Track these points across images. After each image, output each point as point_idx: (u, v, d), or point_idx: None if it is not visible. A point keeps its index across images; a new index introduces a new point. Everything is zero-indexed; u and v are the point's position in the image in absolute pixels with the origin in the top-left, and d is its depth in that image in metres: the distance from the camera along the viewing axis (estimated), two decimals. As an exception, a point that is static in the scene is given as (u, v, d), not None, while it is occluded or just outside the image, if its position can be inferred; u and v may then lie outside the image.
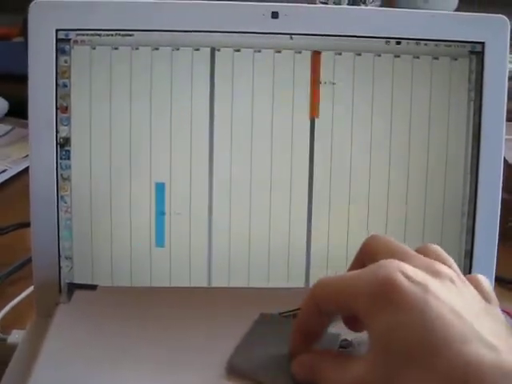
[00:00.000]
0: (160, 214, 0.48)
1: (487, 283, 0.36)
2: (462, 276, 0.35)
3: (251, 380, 0.37)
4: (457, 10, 1.08)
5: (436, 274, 0.33)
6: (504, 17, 0.48)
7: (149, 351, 0.40)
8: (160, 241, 0.49)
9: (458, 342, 0.30)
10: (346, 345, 0.40)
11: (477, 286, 0.35)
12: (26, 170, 0.73)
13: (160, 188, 0.48)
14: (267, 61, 0.48)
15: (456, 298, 0.32)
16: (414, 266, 0.33)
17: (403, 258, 0.34)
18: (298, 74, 0.48)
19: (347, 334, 0.40)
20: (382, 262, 0.33)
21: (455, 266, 0.36)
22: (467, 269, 0.49)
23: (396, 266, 0.32)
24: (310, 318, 0.36)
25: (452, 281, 0.33)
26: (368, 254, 0.36)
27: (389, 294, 0.31)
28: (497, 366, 0.29)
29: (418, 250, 0.36)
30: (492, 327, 0.31)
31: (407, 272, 0.32)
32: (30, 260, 0.49)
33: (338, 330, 0.41)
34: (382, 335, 0.32)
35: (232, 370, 0.38)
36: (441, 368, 0.30)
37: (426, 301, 0.31)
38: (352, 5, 1.01)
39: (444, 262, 0.35)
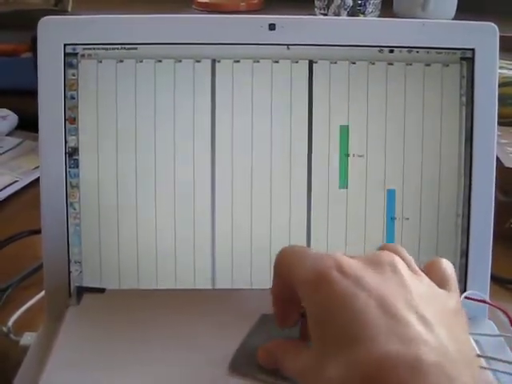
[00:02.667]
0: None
1: (447, 268, 0.37)
2: (414, 265, 0.36)
3: (253, 379, 0.39)
4: (454, 18, 1.10)
5: (376, 264, 0.34)
6: (493, 24, 0.49)
7: (156, 352, 0.42)
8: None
9: (373, 339, 0.30)
10: None
11: (435, 270, 0.36)
12: (36, 181, 0.75)
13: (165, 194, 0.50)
14: (265, 70, 0.50)
15: (390, 290, 0.32)
16: (357, 258, 0.34)
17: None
18: (295, 82, 0.50)
19: None
20: (328, 254, 0.35)
21: (406, 255, 0.36)
22: (463, 268, 0.50)
23: (333, 259, 0.34)
24: (276, 286, 0.38)
25: (394, 270, 0.34)
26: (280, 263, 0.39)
27: (320, 284, 0.33)
28: (409, 362, 0.29)
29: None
30: (426, 316, 0.31)
31: (342, 265, 0.33)
32: (40, 266, 0.51)
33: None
34: (314, 324, 0.33)
35: (234, 369, 0.40)
36: (356, 362, 0.30)
37: (354, 293, 0.32)
38: (351, 15, 1.03)
39: (394, 252, 0.36)
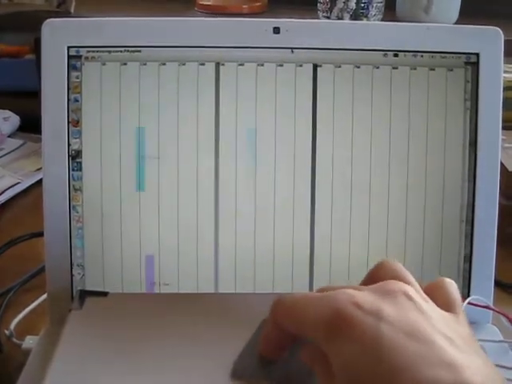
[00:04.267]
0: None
1: (452, 289, 0.36)
2: (420, 290, 0.35)
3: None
4: (457, 21, 1.10)
5: (387, 294, 0.33)
6: (498, 29, 0.49)
7: (158, 356, 0.42)
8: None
9: (414, 367, 0.29)
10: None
11: (440, 294, 0.35)
12: (38, 182, 0.75)
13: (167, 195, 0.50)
14: (270, 74, 0.49)
15: (412, 317, 0.32)
16: (366, 291, 0.33)
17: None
18: (299, 86, 0.50)
19: None
20: (337, 292, 0.33)
21: (413, 280, 0.35)
22: (467, 273, 0.50)
23: (347, 296, 0.32)
24: (273, 333, 0.37)
25: (408, 296, 0.33)
26: (377, 280, 0.35)
27: (341, 326, 0.31)
28: None
29: (374, 271, 0.37)
30: (454, 339, 0.31)
31: (358, 301, 0.32)
32: (43, 269, 0.51)
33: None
34: (341, 366, 0.31)
35: (236, 374, 0.39)
36: None
37: (378, 329, 0.31)
38: (354, 19, 1.03)
39: (401, 279, 0.35)
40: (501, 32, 0.49)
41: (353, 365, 0.31)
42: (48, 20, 0.48)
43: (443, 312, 0.34)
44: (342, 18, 1.03)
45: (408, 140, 0.50)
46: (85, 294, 0.48)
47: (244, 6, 1.21)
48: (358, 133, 0.50)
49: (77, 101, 0.49)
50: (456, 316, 0.34)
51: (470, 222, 0.50)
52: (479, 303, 0.47)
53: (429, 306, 0.33)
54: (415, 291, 0.34)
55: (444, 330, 0.31)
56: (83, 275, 0.50)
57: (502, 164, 0.52)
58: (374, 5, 1.05)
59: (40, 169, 0.77)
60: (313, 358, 0.35)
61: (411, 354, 0.30)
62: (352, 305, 0.32)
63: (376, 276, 0.36)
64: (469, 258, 0.50)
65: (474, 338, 0.33)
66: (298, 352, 0.39)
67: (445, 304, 0.35)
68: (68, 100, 0.49)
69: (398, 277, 0.35)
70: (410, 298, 0.33)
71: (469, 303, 0.44)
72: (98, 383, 0.40)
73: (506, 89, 0.51)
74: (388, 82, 0.50)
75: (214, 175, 0.50)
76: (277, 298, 0.36)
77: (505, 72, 0.50)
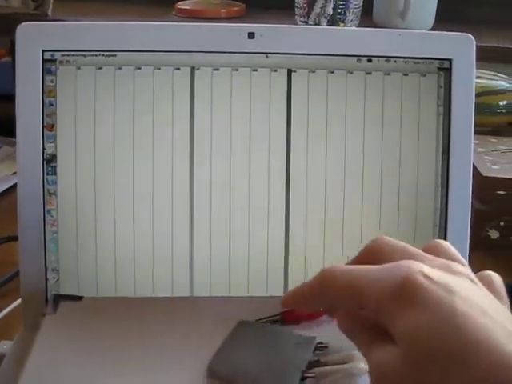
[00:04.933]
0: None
1: (499, 281, 0.35)
2: (474, 276, 0.34)
3: (229, 382, 0.39)
4: (433, 27, 1.11)
5: (454, 273, 0.32)
6: (470, 35, 0.50)
7: (133, 359, 0.42)
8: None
9: (490, 341, 0.29)
10: (321, 347, 0.42)
11: (489, 284, 0.34)
12: (14, 186, 0.74)
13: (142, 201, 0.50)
14: (244, 79, 0.50)
15: (479, 299, 0.31)
16: (431, 267, 0.32)
17: (416, 258, 0.33)
18: (274, 91, 0.50)
19: (322, 337, 0.42)
20: (402, 262, 0.32)
21: (467, 265, 0.35)
22: None
23: (416, 266, 0.31)
24: (308, 296, 0.36)
25: (472, 280, 0.32)
26: (374, 254, 0.35)
27: (413, 295, 0.30)
28: None
29: (427, 249, 0.35)
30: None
31: (427, 273, 0.31)
32: (17, 273, 0.51)
33: (313, 332, 0.43)
34: (408, 334, 0.30)
35: (211, 374, 0.40)
36: (478, 372, 0.28)
37: (453, 301, 0.30)
38: (331, 24, 1.03)
39: (458, 262, 0.34)
40: (473, 38, 0.50)
41: (424, 334, 0.30)
42: (22, 23, 0.48)
43: (496, 299, 0.33)
44: (319, 23, 1.04)
45: (381, 144, 0.50)
46: (59, 299, 0.48)
47: (222, 11, 1.21)
48: (332, 137, 0.50)
49: (52, 105, 0.49)
50: (504, 305, 0.34)
51: (443, 227, 0.50)
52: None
53: (488, 293, 0.33)
54: (473, 276, 0.33)
55: (506, 317, 0.31)
56: (58, 279, 0.50)
57: (475, 168, 0.52)
58: (351, 10, 1.06)
59: (16, 172, 0.76)
60: (354, 326, 0.35)
61: (486, 329, 0.29)
62: (422, 275, 0.31)
63: (375, 249, 0.36)
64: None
65: None
66: (278, 349, 0.41)
67: (495, 293, 0.34)
68: (43, 104, 0.49)
69: (457, 260, 0.34)
70: (473, 281, 0.33)
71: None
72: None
73: (478, 94, 0.52)
74: (362, 87, 0.50)
75: (188, 179, 0.50)
76: (326, 268, 0.35)
77: (478, 77, 0.51)
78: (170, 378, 0.40)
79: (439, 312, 0.30)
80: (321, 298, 0.35)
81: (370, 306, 0.32)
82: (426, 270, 0.31)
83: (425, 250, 0.35)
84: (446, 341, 0.29)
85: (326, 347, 0.42)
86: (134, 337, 0.44)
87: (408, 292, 0.30)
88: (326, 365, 0.40)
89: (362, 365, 0.38)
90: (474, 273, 0.34)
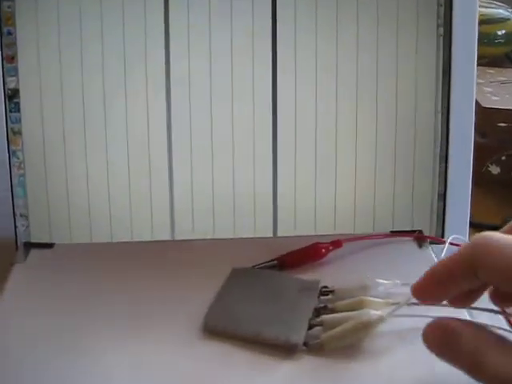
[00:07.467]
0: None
1: None
2: None
3: (228, 336, 0.35)
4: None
5: None
6: None
7: (110, 311, 0.38)
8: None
9: None
10: (326, 292, 0.38)
11: None
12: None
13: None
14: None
15: None
16: None
17: None
18: (257, 8, 0.46)
19: (326, 280, 0.39)
20: None
21: None
22: (441, 213, 0.48)
23: None
24: (455, 275, 0.30)
25: None
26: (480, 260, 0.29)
27: None
28: None
29: None
30: None
31: None
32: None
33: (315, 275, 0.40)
34: None
35: (208, 329, 0.36)
36: None
37: None
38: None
39: None
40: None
41: None
42: None
43: None
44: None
45: (377, 69, 0.47)
46: (29, 247, 0.45)
47: None
48: (322, 61, 0.46)
49: (10, 34, 0.45)
50: None
51: (444, 159, 0.48)
52: (460, 242, 0.44)
53: None
54: None
55: None
56: (27, 226, 0.47)
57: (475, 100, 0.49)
58: None
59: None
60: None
61: None
62: None
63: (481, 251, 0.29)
64: (443, 197, 0.48)
65: None
66: (280, 297, 0.37)
67: None
68: (0, 33, 0.45)
69: None
70: None
71: (450, 243, 0.41)
72: (43, 338, 0.36)
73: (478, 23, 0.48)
74: (354, 7, 0.46)
75: (165, 112, 0.46)
76: (478, 239, 0.29)
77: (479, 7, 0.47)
78: (161, 337, 0.36)
79: None
80: (469, 275, 0.29)
81: None
82: None
83: None
84: None
85: (331, 291, 0.38)
86: (110, 285, 0.40)
87: None
88: (334, 311, 0.36)
89: (373, 311, 0.34)
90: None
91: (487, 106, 0.66)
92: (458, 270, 0.29)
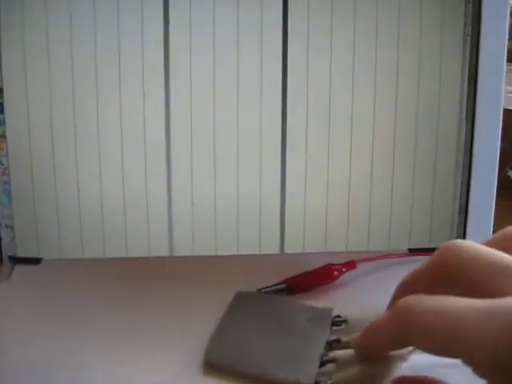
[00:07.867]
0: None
1: None
2: None
3: (231, 373, 0.32)
4: None
5: None
6: None
7: (102, 337, 0.35)
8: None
9: None
10: (339, 322, 0.35)
11: None
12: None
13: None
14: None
15: None
16: None
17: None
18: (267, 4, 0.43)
19: (339, 308, 0.36)
20: None
21: None
22: (461, 226, 0.46)
23: None
24: (387, 342, 0.29)
25: None
26: (451, 267, 0.28)
27: None
28: None
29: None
30: None
31: None
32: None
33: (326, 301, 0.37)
34: None
35: (209, 363, 0.33)
36: None
37: None
38: None
39: None
40: None
41: None
42: None
43: None
44: None
45: (397, 72, 0.44)
46: (15, 261, 0.43)
47: None
48: (338, 53, 0.44)
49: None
50: None
51: (467, 168, 0.45)
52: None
53: None
54: None
55: None
56: (13, 238, 0.45)
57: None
58: None
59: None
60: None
61: None
62: None
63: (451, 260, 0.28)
64: (464, 209, 0.46)
65: None
66: (289, 327, 0.35)
67: None
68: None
69: None
70: None
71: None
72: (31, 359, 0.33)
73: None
74: (374, 6, 0.43)
75: (164, 122, 0.44)
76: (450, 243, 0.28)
77: None
78: (157, 373, 0.32)
79: None
80: (442, 278, 0.28)
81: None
82: None
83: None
84: None
85: (344, 321, 0.35)
86: (104, 308, 0.38)
87: None
88: (347, 346, 0.33)
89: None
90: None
91: (508, 108, 0.63)
92: (388, 339, 0.28)
